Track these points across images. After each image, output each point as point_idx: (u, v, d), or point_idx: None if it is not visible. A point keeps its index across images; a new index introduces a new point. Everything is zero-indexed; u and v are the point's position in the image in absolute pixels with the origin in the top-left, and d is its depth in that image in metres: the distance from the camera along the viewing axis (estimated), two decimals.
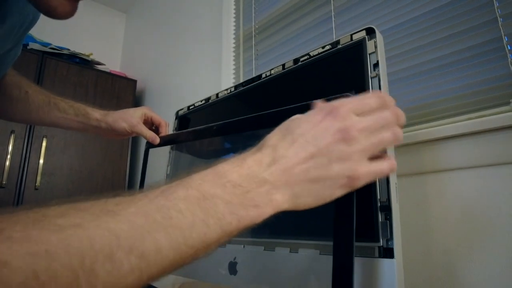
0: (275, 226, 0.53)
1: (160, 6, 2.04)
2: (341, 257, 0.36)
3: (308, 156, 0.30)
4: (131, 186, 1.88)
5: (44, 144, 1.59)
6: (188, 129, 0.71)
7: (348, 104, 0.32)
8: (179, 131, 0.75)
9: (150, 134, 0.74)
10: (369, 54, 0.48)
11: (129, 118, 0.73)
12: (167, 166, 0.82)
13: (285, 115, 0.49)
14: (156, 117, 0.76)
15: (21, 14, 0.54)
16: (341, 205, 0.38)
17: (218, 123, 0.61)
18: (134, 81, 1.99)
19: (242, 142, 0.64)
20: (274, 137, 0.32)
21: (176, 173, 0.79)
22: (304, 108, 0.46)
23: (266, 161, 0.30)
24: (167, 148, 0.82)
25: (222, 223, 0.26)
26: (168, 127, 0.78)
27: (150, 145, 0.76)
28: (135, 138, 1.91)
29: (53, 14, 0.39)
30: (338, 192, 0.31)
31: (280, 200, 0.29)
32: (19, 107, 0.71)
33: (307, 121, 0.32)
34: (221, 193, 0.27)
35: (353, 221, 0.35)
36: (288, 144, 0.30)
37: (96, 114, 0.74)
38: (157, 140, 0.74)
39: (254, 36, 1.31)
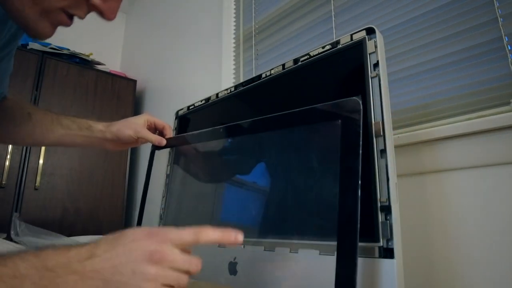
0: (275, 226, 0.53)
1: (160, 6, 2.04)
2: (345, 257, 0.36)
3: (117, 264, 0.34)
4: (131, 186, 1.88)
5: None
6: (193, 132, 0.71)
7: (168, 233, 0.37)
8: (184, 133, 0.75)
9: (156, 138, 0.74)
10: (369, 54, 0.48)
11: (133, 125, 0.73)
12: (167, 166, 0.82)
13: (291, 117, 0.49)
14: (159, 121, 0.77)
15: (3, 20, 0.54)
16: (345, 205, 0.38)
17: (224, 125, 0.61)
18: (134, 81, 1.99)
19: (239, 147, 0.64)
20: (104, 237, 0.37)
21: (176, 173, 0.80)
22: (312, 112, 0.46)
23: (84, 256, 0.34)
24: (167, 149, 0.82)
25: None
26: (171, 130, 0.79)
27: (156, 147, 0.76)
28: None
29: (38, 36, 0.44)
30: None
31: None
32: (23, 130, 0.71)
33: (133, 235, 0.37)
34: (31, 274, 0.32)
35: (357, 222, 0.35)
36: (109, 248, 0.35)
37: (99, 126, 0.74)
38: (164, 142, 0.74)
39: (254, 36, 1.31)
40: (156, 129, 0.78)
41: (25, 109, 0.72)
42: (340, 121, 0.43)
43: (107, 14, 0.46)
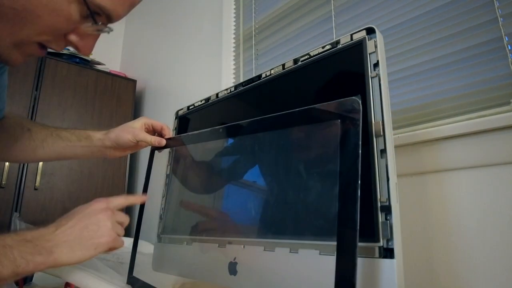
0: (275, 226, 0.53)
1: (160, 6, 2.04)
2: (344, 257, 0.36)
3: (81, 225, 0.48)
4: (130, 186, 1.88)
5: None
6: (193, 132, 0.71)
7: (110, 200, 0.54)
8: (184, 134, 0.75)
9: (155, 139, 0.74)
10: (369, 54, 0.48)
11: (130, 129, 0.73)
12: (167, 166, 0.82)
13: (290, 117, 0.49)
14: (157, 123, 0.77)
15: None
16: (344, 205, 0.38)
17: (223, 125, 0.61)
18: (134, 81, 1.99)
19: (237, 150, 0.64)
20: (62, 216, 0.50)
21: (176, 173, 0.80)
22: (311, 112, 0.46)
23: (53, 230, 0.46)
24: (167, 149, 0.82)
25: (14, 264, 0.41)
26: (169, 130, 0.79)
27: (155, 147, 0.76)
28: None
29: (8, 64, 0.48)
30: (95, 251, 0.49)
31: (57, 253, 0.44)
32: (23, 146, 0.71)
33: (85, 207, 0.51)
34: (16, 245, 0.42)
35: (356, 222, 0.35)
36: (70, 218, 0.48)
37: (97, 134, 0.74)
38: (163, 142, 0.74)
39: (254, 36, 1.31)
40: (154, 131, 0.78)
41: (25, 125, 0.72)
42: (339, 120, 0.42)
43: (82, 50, 0.49)
